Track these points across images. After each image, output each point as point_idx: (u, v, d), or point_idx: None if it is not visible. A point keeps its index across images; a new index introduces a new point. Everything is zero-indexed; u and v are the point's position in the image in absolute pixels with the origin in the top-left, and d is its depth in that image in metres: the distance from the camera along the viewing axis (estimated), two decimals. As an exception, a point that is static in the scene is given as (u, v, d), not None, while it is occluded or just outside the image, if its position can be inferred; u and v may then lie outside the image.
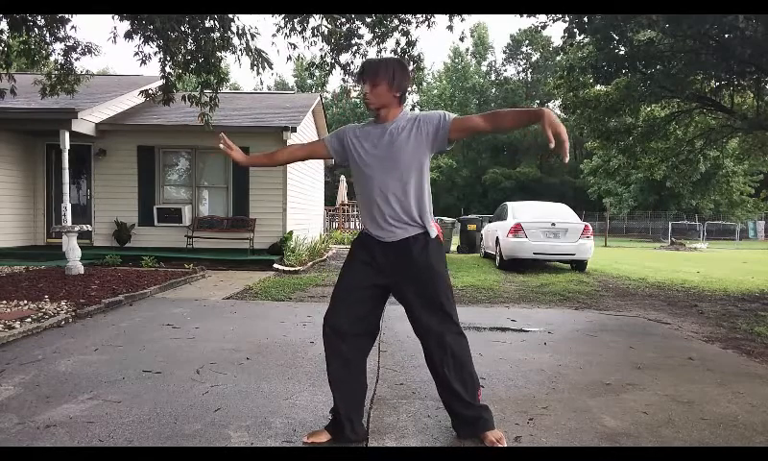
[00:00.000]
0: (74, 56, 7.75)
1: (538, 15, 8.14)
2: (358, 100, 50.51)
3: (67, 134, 9.37)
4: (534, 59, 51.57)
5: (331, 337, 2.50)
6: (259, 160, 2.89)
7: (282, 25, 7.26)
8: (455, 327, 2.51)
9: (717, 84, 9.70)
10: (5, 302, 5.84)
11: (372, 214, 2.49)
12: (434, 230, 2.50)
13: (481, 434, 2.54)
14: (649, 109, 11.03)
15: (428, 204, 2.51)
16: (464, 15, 7.65)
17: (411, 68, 7.99)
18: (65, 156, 9.29)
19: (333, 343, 2.50)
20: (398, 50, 7.75)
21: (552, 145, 2.17)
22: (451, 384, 2.52)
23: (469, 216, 20.01)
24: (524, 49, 52.33)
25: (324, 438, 2.54)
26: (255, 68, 7.04)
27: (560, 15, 7.75)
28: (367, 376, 2.65)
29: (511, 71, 54.25)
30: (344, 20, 7.41)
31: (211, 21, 6.97)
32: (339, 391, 2.51)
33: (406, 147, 2.42)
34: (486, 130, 2.46)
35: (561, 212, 11.43)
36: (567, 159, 2.28)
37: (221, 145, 2.66)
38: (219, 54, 7.22)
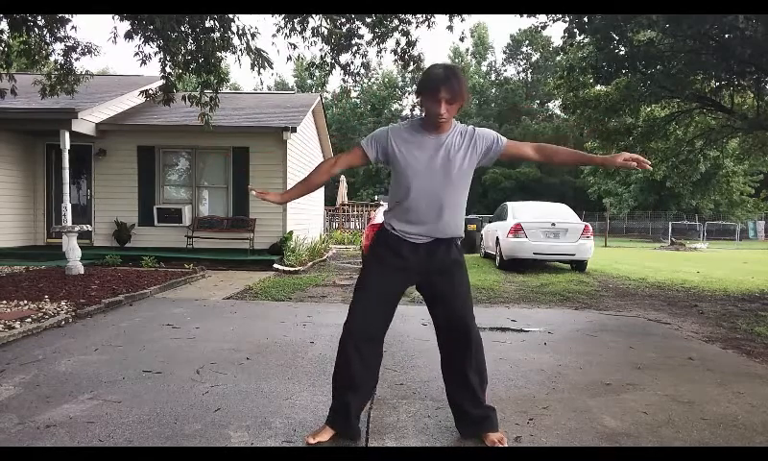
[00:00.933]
0: (74, 56, 7.74)
1: (538, 15, 8.15)
2: (358, 100, 50.56)
3: (67, 134, 9.37)
4: (534, 59, 51.54)
5: (359, 342, 2.50)
6: (298, 192, 2.71)
7: (282, 25, 7.26)
8: (475, 324, 2.62)
9: (717, 84, 9.69)
10: (5, 302, 5.84)
11: (416, 219, 2.50)
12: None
13: (484, 434, 2.55)
14: (649, 109, 11.02)
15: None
16: (464, 15, 7.65)
17: (411, 68, 8.00)
18: (65, 156, 9.29)
19: (360, 348, 2.50)
20: (398, 50, 7.75)
21: (634, 165, 2.49)
22: (469, 381, 2.56)
23: (469, 216, 19.98)
24: (524, 49, 52.30)
25: (327, 435, 2.55)
26: (256, 68, 7.04)
27: (560, 15, 7.75)
28: None
29: (511, 71, 54.29)
30: (344, 20, 7.41)
31: (211, 21, 6.96)
32: (356, 391, 2.54)
33: (462, 165, 2.48)
34: (534, 159, 2.61)
35: (561, 212, 11.43)
36: (649, 165, 2.50)
37: (253, 193, 2.66)
38: (219, 54, 7.22)
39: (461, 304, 2.57)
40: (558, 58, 26.42)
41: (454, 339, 2.59)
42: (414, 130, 2.50)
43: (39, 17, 7.00)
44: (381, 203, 18.30)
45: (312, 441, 2.52)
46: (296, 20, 7.21)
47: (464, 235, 2.61)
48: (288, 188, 2.69)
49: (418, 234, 2.50)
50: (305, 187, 2.66)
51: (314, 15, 7.17)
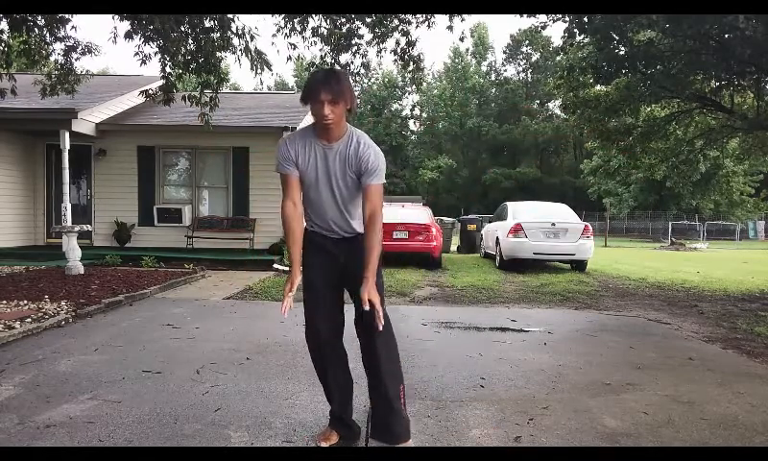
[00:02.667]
0: (74, 56, 7.74)
1: (538, 15, 8.13)
2: (359, 99, 50.46)
3: (67, 134, 9.37)
4: (534, 59, 51.53)
5: (318, 348, 2.58)
6: (298, 253, 2.60)
7: (282, 25, 7.25)
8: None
9: (717, 84, 9.69)
10: (5, 302, 5.84)
11: (320, 220, 2.58)
12: None
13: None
14: (649, 109, 11.02)
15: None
16: (464, 15, 7.63)
17: (411, 68, 8.00)
18: (65, 156, 9.29)
19: (321, 353, 2.58)
20: (398, 50, 7.74)
21: (366, 308, 2.29)
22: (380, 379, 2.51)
23: (469, 216, 20.01)
24: (524, 49, 52.27)
25: (335, 438, 2.58)
26: (255, 69, 7.05)
27: (560, 15, 7.74)
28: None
29: (511, 71, 54.28)
30: (344, 20, 7.40)
31: (211, 21, 6.96)
32: (332, 394, 2.60)
33: (345, 176, 2.48)
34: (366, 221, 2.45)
35: (561, 212, 11.43)
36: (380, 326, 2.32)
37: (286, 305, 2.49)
38: (219, 54, 7.22)
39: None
40: (558, 58, 26.42)
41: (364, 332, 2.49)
42: (307, 136, 2.49)
43: (39, 17, 7.00)
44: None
45: (325, 444, 2.54)
46: (296, 20, 7.21)
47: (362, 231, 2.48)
48: (292, 256, 2.62)
49: (330, 230, 2.55)
50: (298, 243, 2.59)
51: (314, 15, 7.16)
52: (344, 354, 2.64)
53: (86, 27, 68.77)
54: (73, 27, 7.61)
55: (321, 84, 2.31)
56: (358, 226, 2.52)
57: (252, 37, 7.06)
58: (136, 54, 7.16)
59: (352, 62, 7.83)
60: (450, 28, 7.58)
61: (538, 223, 10.52)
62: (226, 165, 11.20)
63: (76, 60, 7.80)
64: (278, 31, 7.31)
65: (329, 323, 2.54)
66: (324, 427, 2.65)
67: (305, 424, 2.77)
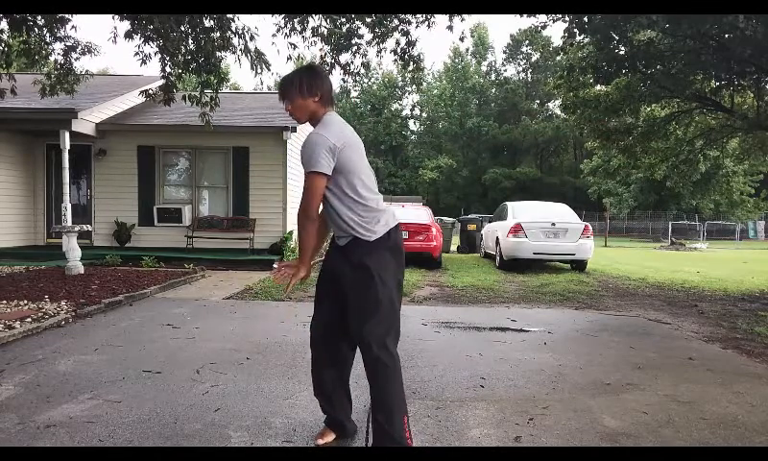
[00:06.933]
0: (74, 56, 7.75)
1: (538, 15, 8.13)
2: (358, 100, 50.54)
3: (67, 134, 9.36)
4: (534, 59, 51.51)
5: (315, 352, 2.58)
6: (315, 247, 2.51)
7: (282, 25, 7.26)
8: (385, 346, 2.54)
9: (717, 84, 9.69)
10: (5, 302, 5.84)
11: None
12: None
13: None
14: (649, 109, 11.01)
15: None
16: (464, 15, 7.65)
17: (411, 68, 7.99)
18: (65, 156, 9.29)
19: (317, 357, 2.58)
20: (398, 50, 7.74)
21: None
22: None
23: (469, 216, 20.03)
24: (524, 49, 52.28)
25: (331, 437, 2.59)
26: (255, 69, 7.05)
27: (560, 15, 7.74)
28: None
29: (511, 71, 54.30)
30: (344, 20, 7.40)
31: (211, 21, 6.97)
32: (324, 396, 2.58)
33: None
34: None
35: (561, 212, 11.43)
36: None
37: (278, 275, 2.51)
38: (219, 54, 7.22)
39: (357, 317, 2.36)
40: (558, 58, 26.40)
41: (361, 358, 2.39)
42: None
43: (39, 17, 7.00)
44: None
45: (321, 442, 2.56)
46: (296, 20, 7.22)
47: (361, 233, 2.35)
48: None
49: (335, 236, 2.49)
50: (320, 234, 2.51)
51: (314, 15, 7.16)
52: (342, 359, 2.55)
53: (86, 27, 68.78)
54: (73, 27, 7.62)
55: (279, 88, 2.46)
56: (358, 228, 2.36)
57: (251, 37, 7.07)
58: (136, 54, 7.17)
59: (352, 62, 7.84)
60: (450, 28, 7.60)
61: (538, 223, 10.52)
62: (226, 165, 11.20)
63: (76, 60, 7.82)
64: (278, 31, 7.32)
65: (323, 320, 2.51)
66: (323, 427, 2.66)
67: (305, 425, 2.77)
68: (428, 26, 7.58)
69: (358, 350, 2.46)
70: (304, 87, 2.35)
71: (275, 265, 9.85)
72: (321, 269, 2.56)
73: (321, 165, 2.25)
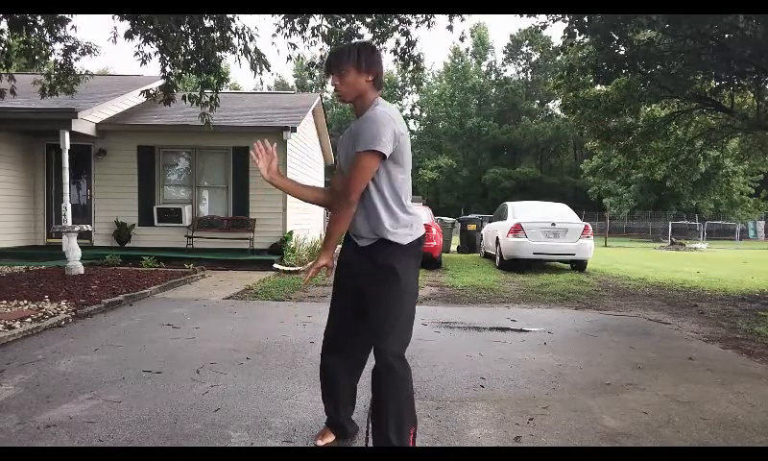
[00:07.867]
0: (74, 56, 7.75)
1: (538, 15, 8.14)
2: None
3: (67, 134, 9.36)
4: (534, 59, 51.54)
5: (326, 355, 2.51)
6: (306, 195, 2.49)
7: (282, 25, 7.26)
8: (399, 355, 2.35)
9: (717, 84, 9.69)
10: (5, 302, 5.84)
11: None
12: None
13: None
14: (649, 109, 11.02)
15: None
16: (464, 15, 7.65)
17: (411, 68, 7.99)
18: (65, 156, 9.29)
19: (327, 360, 2.51)
20: (398, 50, 7.74)
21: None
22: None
23: (469, 216, 20.03)
24: (524, 49, 52.31)
25: (331, 438, 2.58)
26: (255, 69, 7.05)
27: (560, 15, 7.74)
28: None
29: (511, 71, 54.34)
30: (344, 20, 7.40)
31: (211, 21, 6.97)
32: (330, 399, 2.54)
33: (349, 157, 2.28)
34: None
35: (561, 212, 11.43)
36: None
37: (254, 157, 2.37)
38: (219, 54, 7.22)
39: (377, 321, 2.20)
40: (558, 58, 26.40)
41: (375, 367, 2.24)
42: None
43: (39, 17, 7.01)
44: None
45: (321, 442, 2.55)
46: (296, 20, 7.21)
47: (391, 236, 2.20)
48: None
49: (354, 235, 2.31)
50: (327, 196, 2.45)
51: (314, 15, 7.16)
52: (354, 364, 2.49)
53: (86, 27, 68.77)
54: (73, 27, 7.63)
55: (326, 69, 2.25)
56: (391, 229, 2.18)
57: (251, 38, 7.06)
58: (136, 54, 7.18)
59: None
60: (450, 28, 7.60)
61: (538, 223, 10.52)
62: (226, 165, 11.20)
63: (75, 60, 7.82)
64: (278, 31, 7.31)
65: (338, 325, 2.44)
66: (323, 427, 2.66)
67: (305, 424, 2.77)
68: (428, 26, 7.58)
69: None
70: (363, 61, 2.15)
71: (275, 265, 9.89)
72: (336, 271, 2.42)
73: (383, 145, 2.05)
